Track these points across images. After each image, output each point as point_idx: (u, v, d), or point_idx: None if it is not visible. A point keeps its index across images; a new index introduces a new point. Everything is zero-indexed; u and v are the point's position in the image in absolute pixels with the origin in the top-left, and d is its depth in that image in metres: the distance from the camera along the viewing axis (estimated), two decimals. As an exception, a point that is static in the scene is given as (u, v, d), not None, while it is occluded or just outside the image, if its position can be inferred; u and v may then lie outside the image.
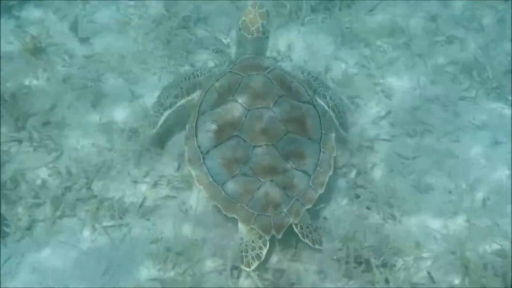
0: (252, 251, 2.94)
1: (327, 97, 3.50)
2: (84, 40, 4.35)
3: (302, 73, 3.51)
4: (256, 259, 2.93)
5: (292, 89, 3.32)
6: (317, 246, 3.01)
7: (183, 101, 3.42)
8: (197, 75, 3.47)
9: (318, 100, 3.45)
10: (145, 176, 3.48)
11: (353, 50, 4.38)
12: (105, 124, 3.76)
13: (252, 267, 2.93)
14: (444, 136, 3.79)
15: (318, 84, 3.51)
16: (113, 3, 4.69)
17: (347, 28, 4.50)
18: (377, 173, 3.55)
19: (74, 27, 4.37)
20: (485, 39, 4.48)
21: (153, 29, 4.48)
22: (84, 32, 4.40)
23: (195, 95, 3.40)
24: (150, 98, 3.85)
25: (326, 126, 3.30)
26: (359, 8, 4.65)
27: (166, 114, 3.44)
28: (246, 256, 2.94)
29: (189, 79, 3.46)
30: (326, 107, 3.48)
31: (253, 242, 2.96)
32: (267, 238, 2.97)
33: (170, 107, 3.44)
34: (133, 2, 4.68)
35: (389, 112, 3.93)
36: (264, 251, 2.95)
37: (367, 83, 4.12)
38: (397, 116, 3.91)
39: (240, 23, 3.49)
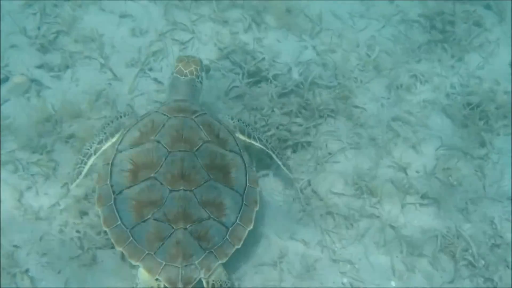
0: None
1: (263, 139, 3.34)
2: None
3: (232, 119, 3.32)
4: None
5: (220, 136, 3.11)
6: None
7: (107, 144, 3.13)
8: (121, 116, 3.24)
9: (255, 144, 3.30)
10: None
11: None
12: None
13: None
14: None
15: (251, 129, 3.35)
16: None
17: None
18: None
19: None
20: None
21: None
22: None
23: (118, 136, 3.14)
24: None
25: (252, 178, 3.07)
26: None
27: (90, 161, 3.13)
28: None
29: (112, 122, 3.20)
30: (266, 149, 3.32)
31: None
32: None
33: (95, 153, 3.13)
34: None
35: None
36: None
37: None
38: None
39: (174, 68, 3.34)
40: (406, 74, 4.32)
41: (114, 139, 3.13)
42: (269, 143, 3.35)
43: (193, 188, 2.85)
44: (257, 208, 2.99)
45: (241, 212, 2.92)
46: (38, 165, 3.32)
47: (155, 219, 2.78)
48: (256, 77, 4.00)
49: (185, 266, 2.71)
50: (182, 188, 2.83)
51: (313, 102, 3.91)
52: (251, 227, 2.92)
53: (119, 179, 2.91)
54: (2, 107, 3.60)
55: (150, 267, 2.72)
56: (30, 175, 3.28)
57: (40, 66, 3.86)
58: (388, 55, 4.49)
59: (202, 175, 2.91)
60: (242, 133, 3.28)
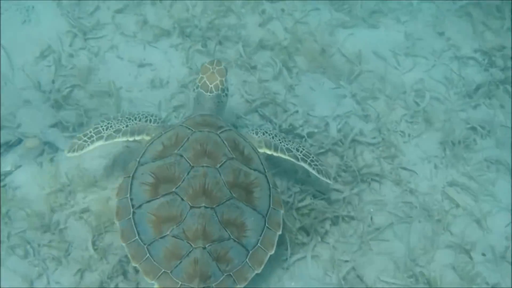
0: None
1: (293, 150, 3.12)
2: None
3: (257, 133, 3.15)
4: None
5: (244, 153, 2.96)
6: None
7: (121, 139, 3.05)
8: (150, 120, 3.12)
9: (284, 156, 3.09)
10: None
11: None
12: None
13: None
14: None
15: (279, 140, 3.14)
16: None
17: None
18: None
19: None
20: None
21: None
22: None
23: (138, 138, 3.06)
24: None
25: (276, 200, 2.89)
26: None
27: (97, 144, 3.03)
28: None
29: (139, 120, 3.10)
30: (296, 161, 3.09)
31: None
32: None
33: (106, 139, 3.04)
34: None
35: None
36: None
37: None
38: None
39: (197, 80, 3.17)
40: (462, 126, 3.77)
41: (130, 139, 3.05)
42: (300, 152, 3.11)
43: (214, 206, 2.70)
44: (279, 232, 2.82)
45: (263, 234, 2.76)
46: (49, 247, 2.97)
47: (173, 236, 2.64)
48: (290, 134, 3.55)
49: None
50: (203, 205, 2.68)
51: (354, 164, 3.43)
52: (272, 251, 2.75)
53: (139, 193, 2.79)
54: (13, 174, 3.29)
55: (165, 286, 2.60)
56: (41, 260, 2.92)
57: (54, 125, 3.52)
58: (440, 102, 3.96)
59: (225, 193, 2.75)
60: (269, 147, 3.11)
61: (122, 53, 3.96)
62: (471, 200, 3.33)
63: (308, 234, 3.07)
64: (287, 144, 3.13)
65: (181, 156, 2.82)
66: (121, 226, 2.73)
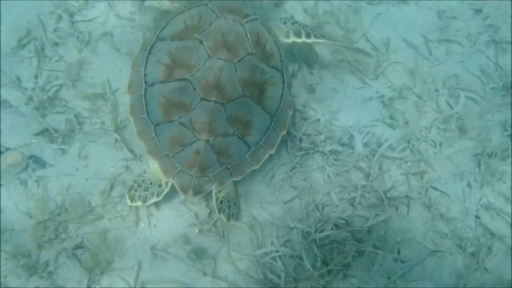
0: (145, 190, 2.74)
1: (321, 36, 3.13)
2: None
3: (285, 23, 3.11)
4: (142, 200, 2.73)
5: (266, 49, 2.91)
6: (232, 222, 2.79)
7: None
8: None
9: (319, 41, 3.11)
10: None
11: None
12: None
13: (133, 204, 2.74)
14: None
15: (310, 28, 3.13)
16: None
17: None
18: None
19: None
20: None
21: None
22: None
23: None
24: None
25: (287, 101, 2.92)
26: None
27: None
28: (136, 190, 2.76)
29: None
30: (332, 41, 3.16)
31: (151, 183, 2.75)
32: (183, 197, 2.75)
33: None
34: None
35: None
36: (154, 200, 2.73)
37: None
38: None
39: None
40: (499, 132, 3.37)
41: None
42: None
43: (225, 102, 2.71)
44: (283, 133, 2.87)
45: (266, 134, 2.83)
46: (37, 295, 2.61)
47: (180, 123, 2.69)
48: (309, 151, 3.15)
49: (199, 176, 2.69)
50: (214, 99, 2.69)
51: (381, 183, 3.07)
52: (272, 151, 2.83)
53: (154, 71, 2.78)
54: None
55: (166, 168, 2.69)
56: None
57: (39, 133, 3.05)
58: (475, 103, 3.53)
59: (237, 90, 2.75)
60: (298, 35, 3.09)
61: (118, 43, 3.38)
62: (507, 227, 3.04)
63: (329, 272, 2.79)
64: (311, 28, 3.11)
65: (201, 42, 2.78)
66: (131, 101, 2.76)
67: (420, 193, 3.09)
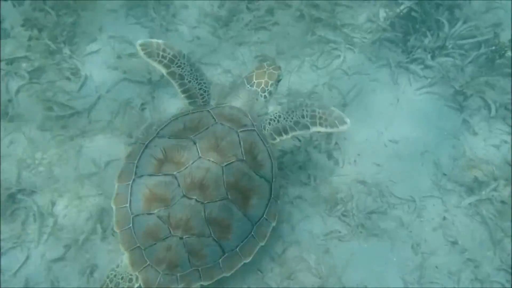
0: (115, 286, 2.77)
1: (300, 119, 3.20)
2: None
3: (265, 128, 3.17)
4: None
5: (257, 158, 3.01)
6: None
7: (175, 83, 3.22)
8: (204, 91, 3.25)
9: (295, 133, 3.21)
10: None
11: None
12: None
13: None
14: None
15: (284, 118, 3.21)
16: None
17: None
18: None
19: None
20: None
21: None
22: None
23: (176, 86, 3.22)
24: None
25: (272, 212, 2.96)
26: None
27: (160, 67, 3.23)
28: (107, 285, 2.80)
29: (198, 85, 3.24)
30: (307, 131, 3.21)
31: (122, 278, 2.79)
32: None
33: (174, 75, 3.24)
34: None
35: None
36: None
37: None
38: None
39: (248, 73, 3.27)
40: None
41: (176, 83, 3.19)
42: (306, 115, 3.18)
43: (205, 202, 2.78)
44: (262, 243, 2.90)
45: (244, 241, 2.85)
46: None
47: (158, 217, 2.75)
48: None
49: (166, 274, 2.71)
50: (195, 197, 2.77)
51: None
52: (248, 260, 2.85)
53: (146, 163, 2.91)
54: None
55: (134, 261, 2.72)
56: None
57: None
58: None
59: (220, 192, 2.82)
60: (279, 134, 3.20)
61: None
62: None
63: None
64: (292, 118, 3.20)
65: (194, 143, 2.89)
66: (118, 190, 2.85)
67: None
